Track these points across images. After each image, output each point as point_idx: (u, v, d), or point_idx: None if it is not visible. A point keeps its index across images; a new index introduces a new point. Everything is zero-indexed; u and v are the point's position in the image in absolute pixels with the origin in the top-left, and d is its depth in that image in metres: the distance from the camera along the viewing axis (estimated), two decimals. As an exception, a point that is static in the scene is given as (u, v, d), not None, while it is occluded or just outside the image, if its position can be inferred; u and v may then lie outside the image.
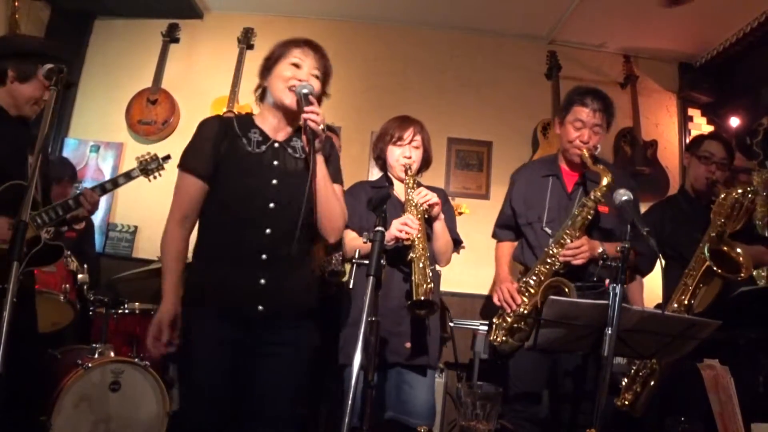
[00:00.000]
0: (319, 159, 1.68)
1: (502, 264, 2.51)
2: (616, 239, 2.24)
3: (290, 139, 1.78)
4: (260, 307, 1.65)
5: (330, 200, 1.72)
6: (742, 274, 2.22)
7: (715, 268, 2.22)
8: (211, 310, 1.66)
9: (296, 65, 1.73)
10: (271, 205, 1.68)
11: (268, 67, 1.78)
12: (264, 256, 1.66)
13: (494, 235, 2.61)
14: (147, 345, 1.65)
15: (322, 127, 1.65)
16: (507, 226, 2.54)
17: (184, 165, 1.74)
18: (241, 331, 1.65)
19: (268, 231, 1.66)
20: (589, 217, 2.21)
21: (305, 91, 1.66)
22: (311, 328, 1.78)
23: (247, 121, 1.79)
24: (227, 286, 1.66)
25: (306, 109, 1.64)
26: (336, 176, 1.83)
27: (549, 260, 2.22)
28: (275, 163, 1.73)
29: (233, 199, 1.70)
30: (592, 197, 2.20)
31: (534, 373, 2.27)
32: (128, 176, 2.50)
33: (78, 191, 2.32)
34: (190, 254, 1.78)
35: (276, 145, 1.75)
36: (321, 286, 2.94)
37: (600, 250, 2.18)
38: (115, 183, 2.46)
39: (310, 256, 1.83)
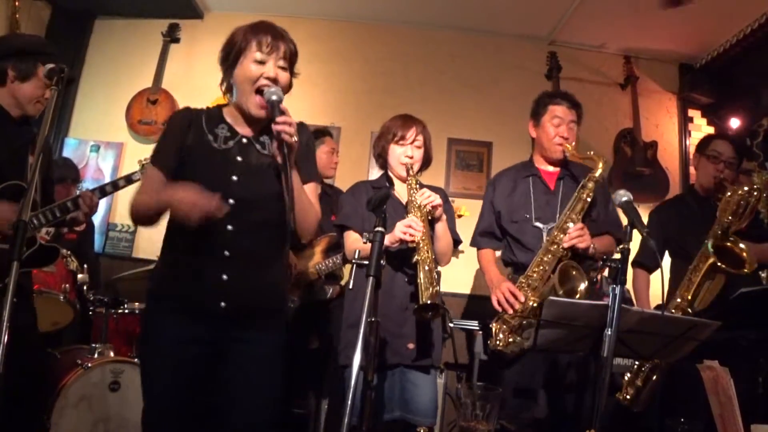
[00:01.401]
0: (294, 172, 1.62)
1: (492, 268, 2.47)
2: (598, 232, 2.30)
3: (259, 134, 1.73)
4: (223, 304, 1.62)
5: (305, 211, 1.69)
6: (746, 270, 2.23)
7: (719, 263, 2.23)
8: (174, 307, 1.63)
9: (260, 62, 1.65)
10: (231, 201, 1.62)
11: (229, 60, 1.71)
12: (227, 253, 1.63)
13: (475, 244, 2.56)
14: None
15: (295, 138, 1.57)
16: (489, 233, 2.52)
17: (153, 160, 1.72)
18: (205, 329, 1.62)
19: (229, 227, 1.63)
20: (588, 200, 2.24)
21: (274, 98, 1.57)
22: (280, 327, 1.75)
23: (216, 115, 1.75)
24: (190, 281, 1.64)
25: (278, 119, 1.55)
26: (312, 175, 1.79)
27: (552, 248, 2.22)
28: (239, 159, 1.68)
29: None
30: (592, 179, 2.25)
31: (531, 370, 2.25)
32: (129, 179, 2.47)
33: (79, 192, 2.30)
34: (157, 252, 1.77)
35: (244, 140, 1.71)
36: (309, 291, 2.96)
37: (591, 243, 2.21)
38: (115, 185, 2.44)
39: (280, 254, 1.79)
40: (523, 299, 2.22)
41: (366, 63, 4.25)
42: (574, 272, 2.15)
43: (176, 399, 1.61)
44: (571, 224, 2.22)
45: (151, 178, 1.70)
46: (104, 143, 4.10)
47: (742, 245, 2.29)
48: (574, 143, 2.36)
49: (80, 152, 4.06)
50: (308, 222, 1.72)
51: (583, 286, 2.12)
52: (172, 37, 4.19)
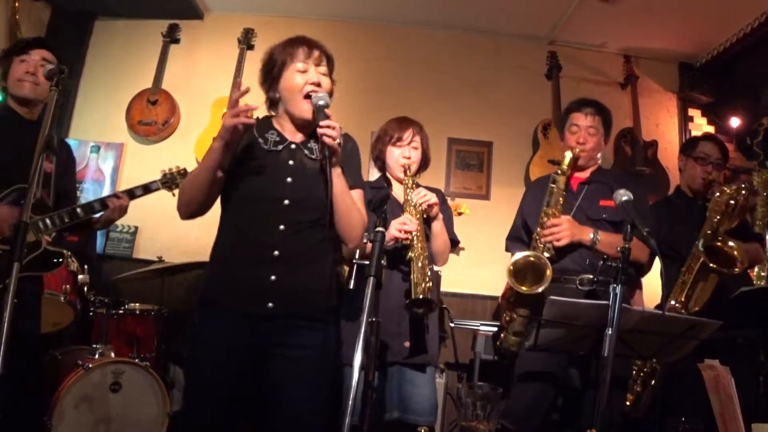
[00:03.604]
0: (336, 171, 1.68)
1: None
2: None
3: (307, 141, 1.78)
4: (270, 304, 1.63)
5: (349, 212, 1.72)
6: (737, 268, 2.23)
7: (709, 263, 2.23)
8: (223, 310, 1.66)
9: (303, 71, 1.72)
10: (286, 202, 1.68)
11: (272, 77, 1.77)
12: (276, 253, 1.65)
13: (506, 248, 2.60)
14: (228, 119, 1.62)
15: (338, 141, 1.64)
16: (517, 237, 2.54)
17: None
18: (255, 332, 1.63)
19: (281, 227, 1.66)
20: (561, 192, 2.23)
21: (321, 103, 1.66)
22: (330, 329, 1.75)
23: (265, 122, 1.81)
24: (238, 283, 1.67)
25: (321, 123, 1.63)
26: (357, 181, 1.84)
27: (535, 245, 2.22)
28: (290, 162, 1.73)
29: (248, 196, 1.72)
30: (559, 171, 2.25)
31: (542, 369, 2.21)
32: (147, 188, 2.42)
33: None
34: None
35: (293, 146, 1.76)
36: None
37: (591, 235, 2.18)
38: (131, 194, 2.38)
39: (329, 257, 1.79)
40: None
41: (365, 63, 4.25)
42: (535, 267, 2.14)
43: (215, 406, 1.62)
44: (546, 219, 2.21)
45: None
46: (104, 144, 4.09)
47: (731, 243, 2.29)
48: (588, 147, 2.33)
49: (80, 153, 4.05)
50: (353, 225, 1.75)
51: (548, 271, 2.10)
52: (172, 37, 4.18)
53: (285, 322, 1.65)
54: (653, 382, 2.29)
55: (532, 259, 2.14)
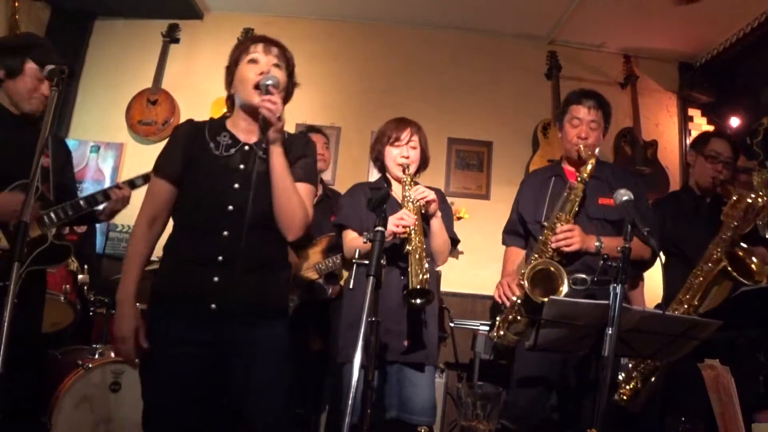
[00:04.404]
0: (276, 150, 1.65)
1: (508, 265, 2.48)
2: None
3: (261, 141, 1.74)
4: (213, 305, 1.62)
5: (287, 193, 1.66)
6: (755, 281, 2.21)
7: (730, 271, 2.20)
8: (169, 310, 1.66)
9: (254, 61, 1.72)
10: (230, 207, 1.66)
11: (230, 74, 1.77)
12: (220, 258, 1.64)
13: (503, 241, 2.59)
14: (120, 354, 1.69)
15: (278, 115, 1.62)
16: (513, 231, 2.53)
17: (157, 172, 1.76)
18: (200, 332, 1.62)
19: (225, 233, 1.65)
20: (578, 199, 2.22)
21: (268, 82, 1.64)
22: (280, 328, 1.73)
23: (218, 125, 1.78)
24: (181, 284, 1.66)
25: (263, 98, 1.62)
26: (306, 176, 1.78)
27: (543, 248, 2.22)
28: (241, 166, 1.71)
29: (195, 202, 1.70)
30: (578, 178, 2.22)
31: (540, 368, 2.22)
32: (147, 178, 2.36)
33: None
34: (157, 253, 1.79)
35: (246, 148, 1.73)
36: (309, 291, 2.96)
37: (596, 243, 2.18)
38: (132, 184, 2.38)
39: (278, 257, 1.78)
40: (517, 294, 2.22)
41: (366, 63, 4.25)
42: (552, 268, 2.13)
43: (175, 401, 1.63)
44: (559, 225, 2.20)
45: (153, 191, 1.75)
46: (104, 144, 4.10)
47: (755, 259, 2.25)
48: (590, 143, 2.30)
49: (80, 153, 4.05)
50: (292, 212, 1.68)
51: (563, 287, 2.09)
52: (171, 37, 4.19)
53: (231, 321, 1.63)
54: (653, 379, 2.28)
55: (552, 269, 2.12)
